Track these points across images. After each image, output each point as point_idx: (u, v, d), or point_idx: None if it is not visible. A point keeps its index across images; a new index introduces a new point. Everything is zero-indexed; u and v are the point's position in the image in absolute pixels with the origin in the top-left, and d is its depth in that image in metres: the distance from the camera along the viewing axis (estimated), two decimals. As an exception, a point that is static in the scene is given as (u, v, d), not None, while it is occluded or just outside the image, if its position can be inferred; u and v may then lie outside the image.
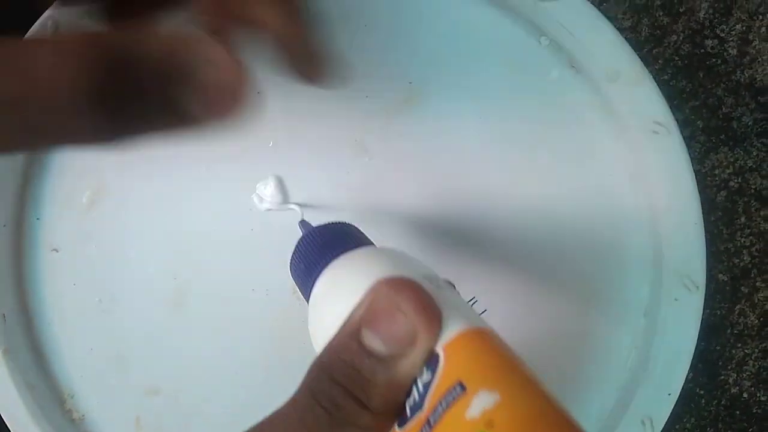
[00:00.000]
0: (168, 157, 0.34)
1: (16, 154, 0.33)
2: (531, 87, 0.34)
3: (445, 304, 0.20)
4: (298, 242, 0.26)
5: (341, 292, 0.22)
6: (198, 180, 0.34)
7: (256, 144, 0.34)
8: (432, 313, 0.19)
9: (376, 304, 0.20)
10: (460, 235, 0.35)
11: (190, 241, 0.35)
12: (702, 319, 0.34)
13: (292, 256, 0.26)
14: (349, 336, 0.20)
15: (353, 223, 0.28)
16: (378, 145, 0.34)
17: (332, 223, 0.27)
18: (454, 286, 0.24)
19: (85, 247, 0.35)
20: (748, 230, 0.41)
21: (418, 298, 0.19)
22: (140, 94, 0.17)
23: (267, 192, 0.35)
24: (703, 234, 0.34)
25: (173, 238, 0.35)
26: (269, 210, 0.35)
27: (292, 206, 0.34)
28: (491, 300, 0.34)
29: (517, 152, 0.35)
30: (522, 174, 0.35)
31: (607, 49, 0.32)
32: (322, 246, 0.25)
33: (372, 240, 0.27)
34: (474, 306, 0.34)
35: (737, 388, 0.41)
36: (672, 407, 0.34)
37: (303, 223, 0.29)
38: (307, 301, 0.24)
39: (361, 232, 0.27)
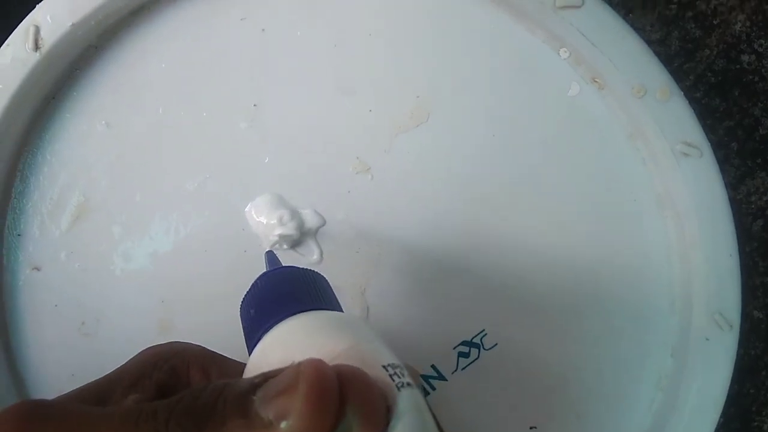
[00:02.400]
0: (155, 173, 0.33)
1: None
2: (549, 103, 0.32)
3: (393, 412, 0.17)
4: (255, 283, 0.23)
5: (285, 358, 0.18)
6: (187, 197, 0.33)
7: (251, 159, 0.32)
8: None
9: (282, 384, 0.16)
10: (465, 265, 0.33)
11: (179, 261, 0.33)
12: (735, 360, 0.32)
13: (246, 296, 0.23)
14: (237, 398, 0.17)
15: (323, 273, 0.24)
16: (381, 163, 0.32)
17: (298, 270, 0.23)
18: (419, 387, 0.19)
19: (67, 267, 0.33)
20: (788, 264, 0.37)
21: (320, 404, 0.16)
22: None
23: (261, 211, 0.33)
24: (739, 267, 0.31)
25: (161, 259, 0.33)
26: (263, 230, 0.32)
27: (283, 230, 0.31)
28: (500, 334, 0.33)
29: (532, 175, 0.33)
30: (538, 199, 0.33)
31: (634, 63, 0.30)
32: (280, 297, 0.21)
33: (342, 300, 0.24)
34: (483, 339, 0.33)
35: (773, 436, 0.38)
36: (701, 457, 0.31)
37: (269, 256, 0.26)
38: (249, 351, 0.21)
39: (330, 289, 0.23)
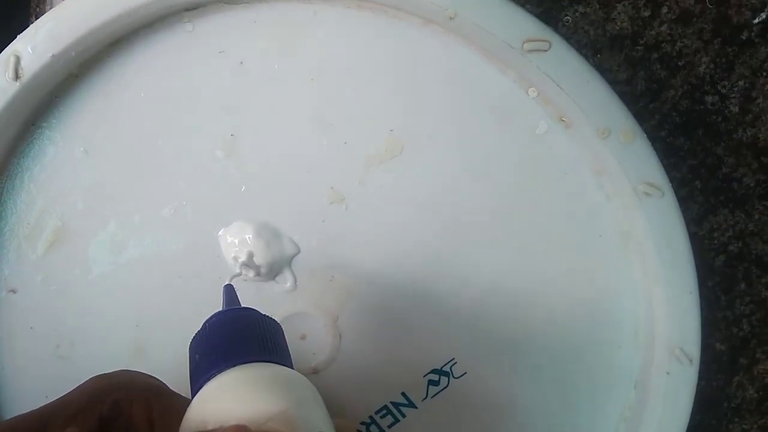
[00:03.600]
0: (132, 199, 0.33)
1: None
2: (518, 140, 0.33)
3: None
4: (205, 325, 0.23)
5: (220, 412, 0.19)
6: (163, 223, 0.33)
7: (228, 188, 0.33)
8: None
9: None
10: (436, 295, 0.33)
11: (154, 287, 0.33)
12: (697, 391, 0.33)
13: (195, 337, 0.23)
14: None
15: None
16: (355, 193, 0.33)
17: (251, 315, 0.24)
18: None
19: (44, 290, 0.33)
20: (748, 298, 0.38)
21: None
22: None
23: (234, 237, 0.33)
24: (698, 305, 0.32)
25: (136, 284, 0.33)
26: (233, 256, 0.33)
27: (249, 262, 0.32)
28: (470, 363, 0.33)
29: (501, 209, 0.33)
30: (507, 233, 0.33)
31: (598, 105, 0.31)
32: (226, 344, 0.22)
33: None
34: (453, 367, 0.33)
35: (734, 466, 0.39)
36: (662, 489, 0.32)
37: (227, 290, 0.26)
38: (192, 395, 0.21)
39: (282, 337, 0.24)
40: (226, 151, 0.33)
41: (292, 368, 0.22)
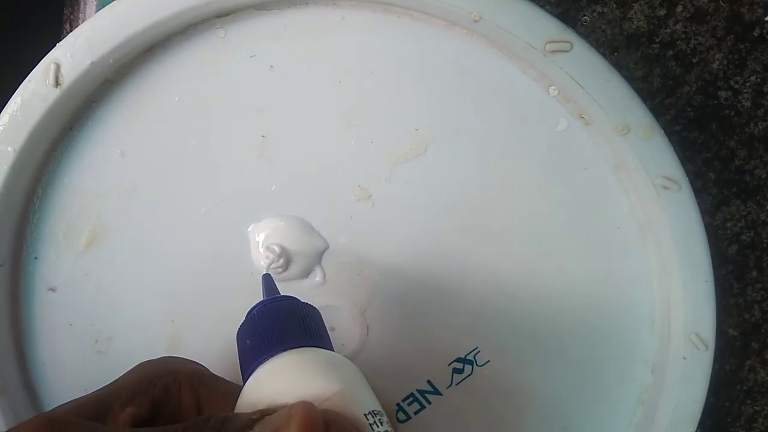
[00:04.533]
0: (167, 199, 0.34)
1: (14, 194, 0.33)
2: (539, 138, 0.33)
3: None
4: (252, 312, 0.24)
5: (277, 394, 0.20)
6: (197, 222, 0.34)
7: (259, 187, 0.33)
8: None
9: (276, 423, 0.18)
10: (460, 287, 0.34)
11: (189, 283, 0.34)
12: (711, 374, 0.34)
13: (243, 325, 0.24)
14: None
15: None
16: (382, 190, 0.33)
17: (295, 303, 0.24)
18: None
19: (82, 288, 0.34)
20: (760, 285, 0.40)
21: None
22: None
23: (262, 235, 0.34)
24: (714, 293, 0.33)
25: (171, 280, 0.34)
26: (268, 250, 0.34)
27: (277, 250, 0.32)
28: (493, 352, 0.34)
29: (523, 204, 0.34)
30: (528, 227, 0.34)
31: (618, 103, 0.31)
32: (275, 330, 0.22)
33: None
34: (477, 356, 0.34)
35: (746, 446, 0.40)
36: (679, 468, 0.33)
37: (266, 280, 0.27)
38: (243, 379, 0.22)
39: (323, 325, 0.25)
40: (257, 152, 0.33)
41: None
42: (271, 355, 0.21)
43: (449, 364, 0.34)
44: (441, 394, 0.34)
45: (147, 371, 0.24)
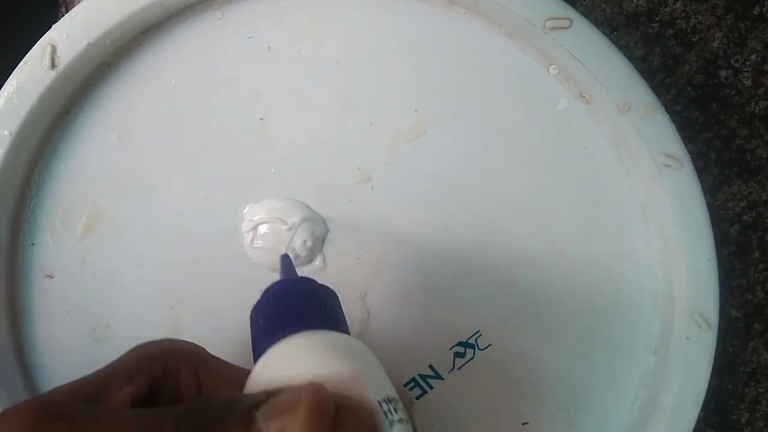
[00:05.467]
0: (165, 184, 0.33)
1: (10, 179, 0.32)
2: (539, 117, 0.33)
3: None
4: (267, 292, 0.23)
5: (288, 375, 0.19)
6: (196, 207, 0.33)
7: (258, 170, 0.33)
8: None
9: (284, 403, 0.17)
10: (461, 270, 0.34)
11: (187, 268, 0.34)
12: (714, 357, 0.33)
13: (257, 303, 0.23)
14: (242, 413, 0.18)
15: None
16: (382, 173, 0.33)
17: (312, 284, 0.24)
18: (410, 422, 0.20)
19: (79, 274, 0.34)
20: (762, 265, 0.39)
21: (315, 429, 0.17)
22: None
23: (260, 217, 0.33)
24: (717, 271, 0.33)
25: (170, 266, 0.34)
26: (265, 233, 0.33)
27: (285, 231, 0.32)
28: (494, 335, 0.34)
29: (524, 184, 0.34)
30: (529, 207, 0.34)
31: (619, 80, 0.31)
32: (290, 311, 0.22)
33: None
34: (478, 339, 0.34)
35: (750, 428, 0.40)
36: (683, 450, 0.33)
37: (284, 261, 0.26)
38: (255, 359, 0.22)
39: (340, 307, 0.24)
40: (255, 134, 0.33)
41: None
42: (284, 336, 0.20)
43: (450, 348, 0.34)
44: (443, 379, 0.34)
45: (145, 352, 0.23)
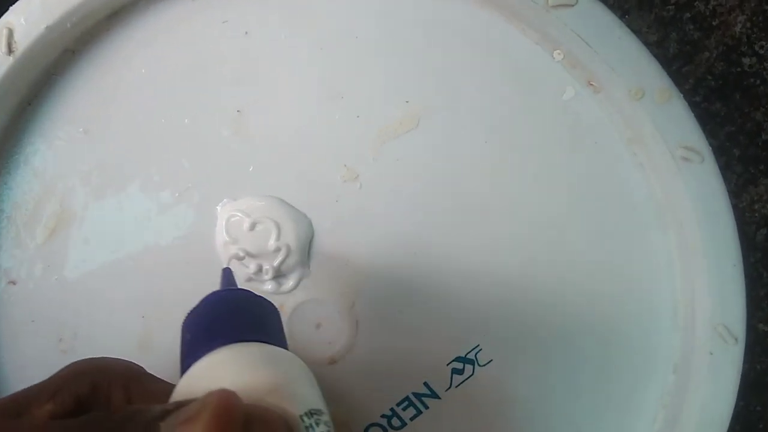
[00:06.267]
0: (135, 182, 0.31)
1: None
2: (543, 107, 0.31)
3: None
4: (198, 305, 0.23)
5: (209, 388, 0.18)
6: (168, 207, 0.31)
7: (235, 168, 0.31)
8: None
9: (189, 412, 0.17)
10: (459, 277, 0.32)
11: (160, 275, 0.32)
12: (741, 374, 0.31)
13: (187, 317, 0.23)
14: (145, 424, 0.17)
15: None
16: (370, 170, 0.31)
17: (246, 296, 0.23)
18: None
19: (45, 281, 0.32)
20: (794, 274, 0.36)
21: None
22: None
23: (237, 217, 0.31)
24: (743, 278, 0.30)
25: (141, 272, 0.32)
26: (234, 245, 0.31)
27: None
28: (496, 350, 0.32)
29: (526, 183, 0.32)
30: (533, 209, 0.32)
31: (631, 64, 0.29)
32: (217, 323, 0.21)
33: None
34: (478, 354, 0.32)
35: (782, 454, 0.37)
36: (706, 479, 0.30)
37: (225, 274, 0.26)
38: (181, 374, 0.21)
39: (277, 320, 0.23)
40: (232, 128, 0.31)
41: (287, 350, 0.22)
42: (210, 349, 0.20)
43: (448, 364, 0.32)
44: (439, 398, 0.32)
45: (75, 369, 0.23)
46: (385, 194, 0.31)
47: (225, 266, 0.27)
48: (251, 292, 0.23)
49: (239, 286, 0.25)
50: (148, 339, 0.32)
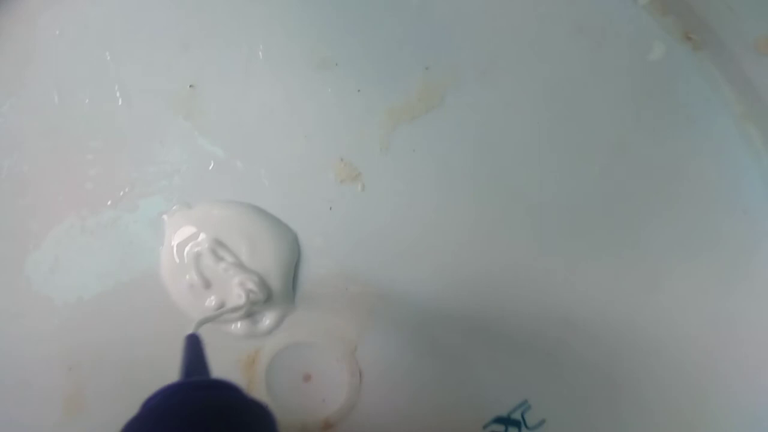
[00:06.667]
0: (54, 190, 0.27)
1: None
2: (621, 70, 0.26)
3: None
4: (142, 413, 0.19)
5: None
6: (100, 221, 0.27)
7: (189, 165, 0.27)
8: None
9: None
10: (496, 310, 0.27)
11: (90, 312, 0.27)
12: None
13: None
14: None
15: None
16: (375, 166, 0.27)
17: (225, 399, 0.19)
18: None
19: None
20: None
21: None
22: None
23: (190, 233, 0.26)
24: None
25: (66, 310, 0.27)
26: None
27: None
28: (550, 409, 0.27)
29: (598, 180, 0.27)
30: (600, 214, 0.27)
31: (752, 4, 0.23)
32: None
33: None
34: (526, 414, 0.28)
35: None
36: None
37: (189, 343, 0.22)
38: None
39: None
40: (183, 110, 0.26)
41: None
42: None
43: (485, 427, 0.28)
44: None
45: None
46: (396, 199, 0.27)
47: (191, 333, 0.22)
48: (233, 389, 0.19)
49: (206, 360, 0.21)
50: (76, 396, 0.28)
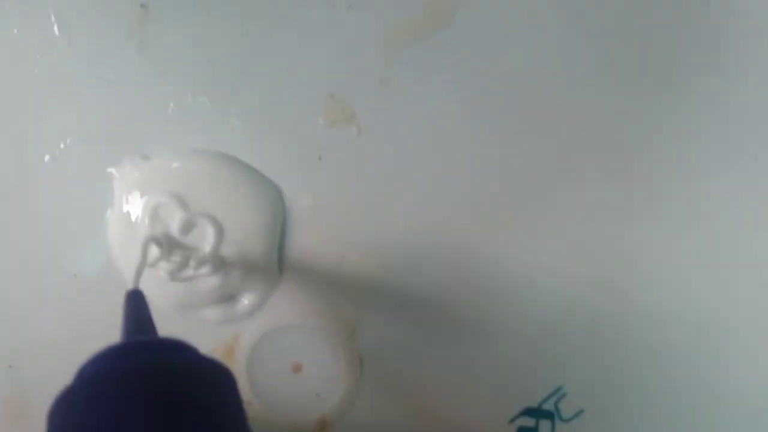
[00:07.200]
0: None
1: None
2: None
3: None
4: (76, 382, 0.17)
5: None
6: (37, 181, 0.24)
7: (143, 106, 0.23)
8: None
9: None
10: (515, 282, 0.24)
11: (30, 299, 0.25)
12: None
13: (57, 404, 0.16)
14: None
15: None
16: (374, 103, 0.23)
17: (170, 359, 0.17)
18: None
19: None
20: None
21: None
22: None
23: (148, 193, 0.23)
24: None
25: (3, 299, 0.25)
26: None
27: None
28: (589, 394, 0.25)
29: (640, 138, 0.22)
30: (653, 176, 0.23)
31: None
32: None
33: None
34: (560, 402, 0.25)
35: None
36: None
37: (131, 301, 0.20)
38: None
39: (238, 407, 0.18)
40: (134, 37, 0.22)
41: None
42: None
43: (512, 421, 0.25)
44: None
45: None
46: (399, 145, 0.23)
47: (131, 289, 0.20)
48: (185, 347, 0.18)
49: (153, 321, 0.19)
50: (19, 397, 0.25)
